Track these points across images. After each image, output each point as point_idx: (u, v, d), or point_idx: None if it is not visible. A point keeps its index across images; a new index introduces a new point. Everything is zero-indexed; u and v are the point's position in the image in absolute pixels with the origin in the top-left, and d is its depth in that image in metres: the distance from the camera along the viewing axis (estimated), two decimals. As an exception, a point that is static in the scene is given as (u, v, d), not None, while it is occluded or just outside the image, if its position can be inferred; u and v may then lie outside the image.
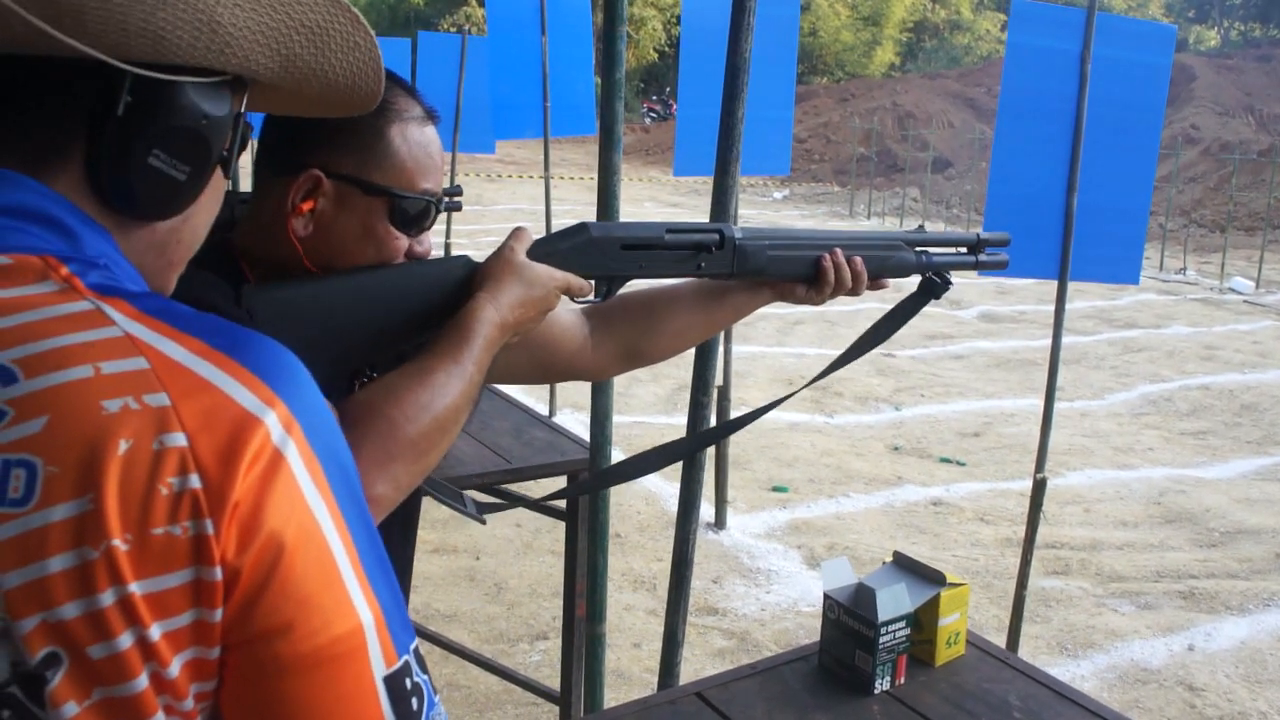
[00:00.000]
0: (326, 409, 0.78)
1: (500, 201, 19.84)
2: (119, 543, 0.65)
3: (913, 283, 1.75)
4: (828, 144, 28.55)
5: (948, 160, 24.95)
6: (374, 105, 0.98)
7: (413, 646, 0.78)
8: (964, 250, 1.79)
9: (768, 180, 25.35)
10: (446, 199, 1.48)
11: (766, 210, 22.20)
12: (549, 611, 4.33)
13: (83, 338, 0.70)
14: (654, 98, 40.50)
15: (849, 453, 6.62)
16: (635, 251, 1.50)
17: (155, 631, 0.67)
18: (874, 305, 9.87)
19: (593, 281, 1.47)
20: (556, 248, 1.43)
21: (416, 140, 1.35)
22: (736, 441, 5.83)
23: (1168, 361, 9.63)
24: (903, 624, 1.93)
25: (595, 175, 2.57)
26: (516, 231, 1.40)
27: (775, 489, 5.93)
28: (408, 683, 0.76)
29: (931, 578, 2.04)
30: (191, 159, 0.84)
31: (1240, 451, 7.10)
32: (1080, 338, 10.21)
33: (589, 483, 2.75)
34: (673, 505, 3.73)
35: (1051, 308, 3.65)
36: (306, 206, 1.30)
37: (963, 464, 6.53)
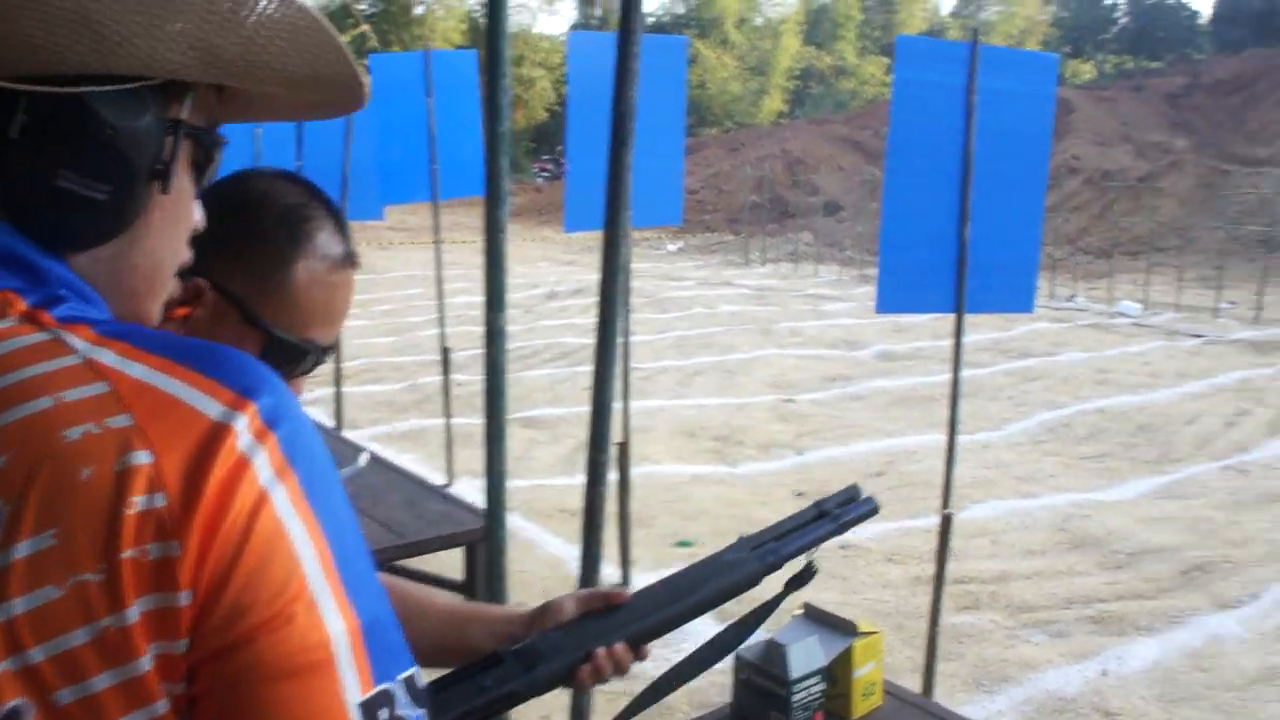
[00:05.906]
0: (300, 411, 0.73)
1: (393, 269, 19.68)
2: (89, 576, 0.63)
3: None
4: (720, 194, 28.90)
5: (838, 204, 25.38)
6: (360, 99, 0.89)
7: (403, 676, 0.72)
8: (815, 521, 1.45)
9: (661, 233, 25.56)
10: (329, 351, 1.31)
11: (661, 263, 22.32)
12: (459, 684, 4.20)
13: (43, 369, 0.68)
14: (546, 157, 40.74)
15: (753, 502, 6.57)
16: None
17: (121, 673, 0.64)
18: (792, 352, 9.85)
19: None
20: None
21: (322, 284, 1.21)
22: (638, 498, 5.71)
23: (1063, 388, 9.81)
24: (816, 679, 1.87)
25: (486, 236, 2.48)
26: None
27: (680, 544, 5.83)
28: (384, 714, 0.70)
29: (843, 628, 1.98)
30: (108, 175, 0.75)
31: (1139, 471, 7.23)
32: (977, 370, 10.35)
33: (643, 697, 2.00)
34: (576, 568, 3.63)
35: (948, 343, 3.65)
36: (180, 313, 1.16)
37: (869, 503, 6.51)
